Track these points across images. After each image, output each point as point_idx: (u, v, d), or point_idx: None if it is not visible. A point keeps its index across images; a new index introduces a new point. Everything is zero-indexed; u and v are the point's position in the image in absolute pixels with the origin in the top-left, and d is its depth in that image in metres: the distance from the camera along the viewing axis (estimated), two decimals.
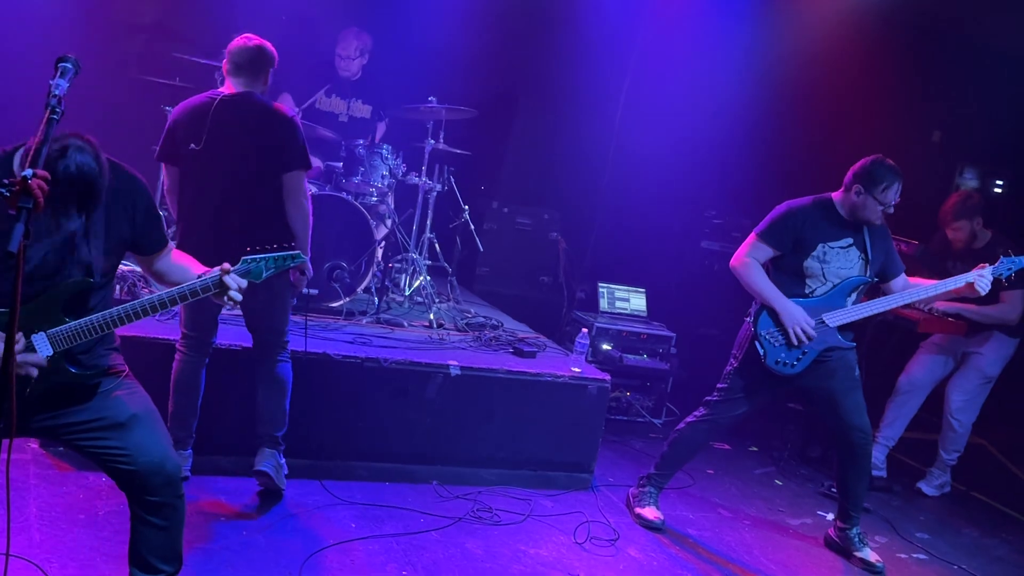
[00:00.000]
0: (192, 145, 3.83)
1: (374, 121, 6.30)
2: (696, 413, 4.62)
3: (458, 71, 7.05)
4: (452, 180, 6.36)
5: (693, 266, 7.91)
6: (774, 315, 4.32)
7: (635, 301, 6.76)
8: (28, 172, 1.93)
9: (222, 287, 2.75)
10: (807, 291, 4.37)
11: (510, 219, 7.73)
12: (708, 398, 4.60)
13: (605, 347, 6.32)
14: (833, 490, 5.48)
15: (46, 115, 2.13)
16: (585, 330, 5.65)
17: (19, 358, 2.45)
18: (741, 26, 7.34)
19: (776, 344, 4.34)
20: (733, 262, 4.46)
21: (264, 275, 2.86)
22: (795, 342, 4.26)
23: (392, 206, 6.07)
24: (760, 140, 7.60)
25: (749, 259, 4.40)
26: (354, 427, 4.58)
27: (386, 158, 5.83)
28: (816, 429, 6.33)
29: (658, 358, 6.49)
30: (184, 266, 2.94)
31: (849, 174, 4.37)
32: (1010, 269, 4.42)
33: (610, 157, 7.98)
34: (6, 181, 1.93)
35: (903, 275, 4.55)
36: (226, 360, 4.25)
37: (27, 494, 3.69)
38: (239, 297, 2.78)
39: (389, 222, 6.05)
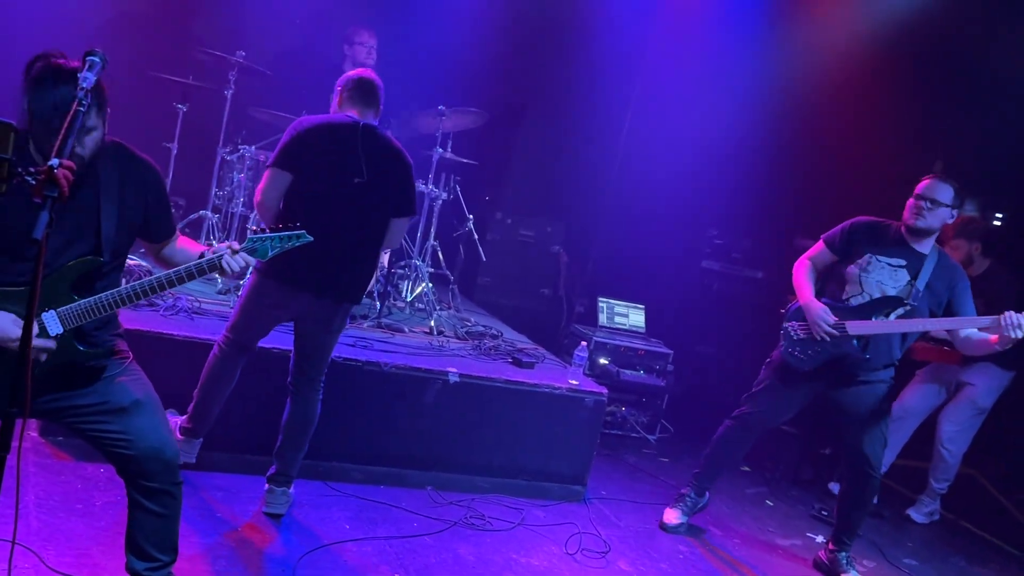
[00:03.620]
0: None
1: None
2: (735, 411, 4.76)
3: (467, 81, 7.11)
4: (458, 189, 6.41)
5: (693, 285, 7.95)
6: (801, 312, 4.49)
7: (634, 317, 6.80)
8: (55, 162, 1.97)
9: (221, 266, 2.79)
10: (844, 297, 4.46)
11: (513, 230, 7.78)
12: (745, 394, 4.75)
13: (602, 361, 6.35)
14: (824, 513, 5.52)
15: (73, 107, 2.17)
16: (584, 343, 5.68)
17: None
18: (747, 50, 7.41)
19: (794, 336, 4.49)
20: (796, 263, 4.66)
21: (270, 253, 2.90)
22: (815, 334, 4.38)
23: None
24: (764, 163, 7.66)
25: (807, 260, 4.62)
26: (351, 429, 4.60)
27: None
28: (808, 452, 6.37)
29: (655, 374, 6.53)
30: (187, 250, 3.00)
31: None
32: None
33: (615, 173, 8.04)
34: (32, 169, 1.97)
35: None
36: None
37: (26, 482, 3.71)
38: (238, 268, 2.83)
39: None
